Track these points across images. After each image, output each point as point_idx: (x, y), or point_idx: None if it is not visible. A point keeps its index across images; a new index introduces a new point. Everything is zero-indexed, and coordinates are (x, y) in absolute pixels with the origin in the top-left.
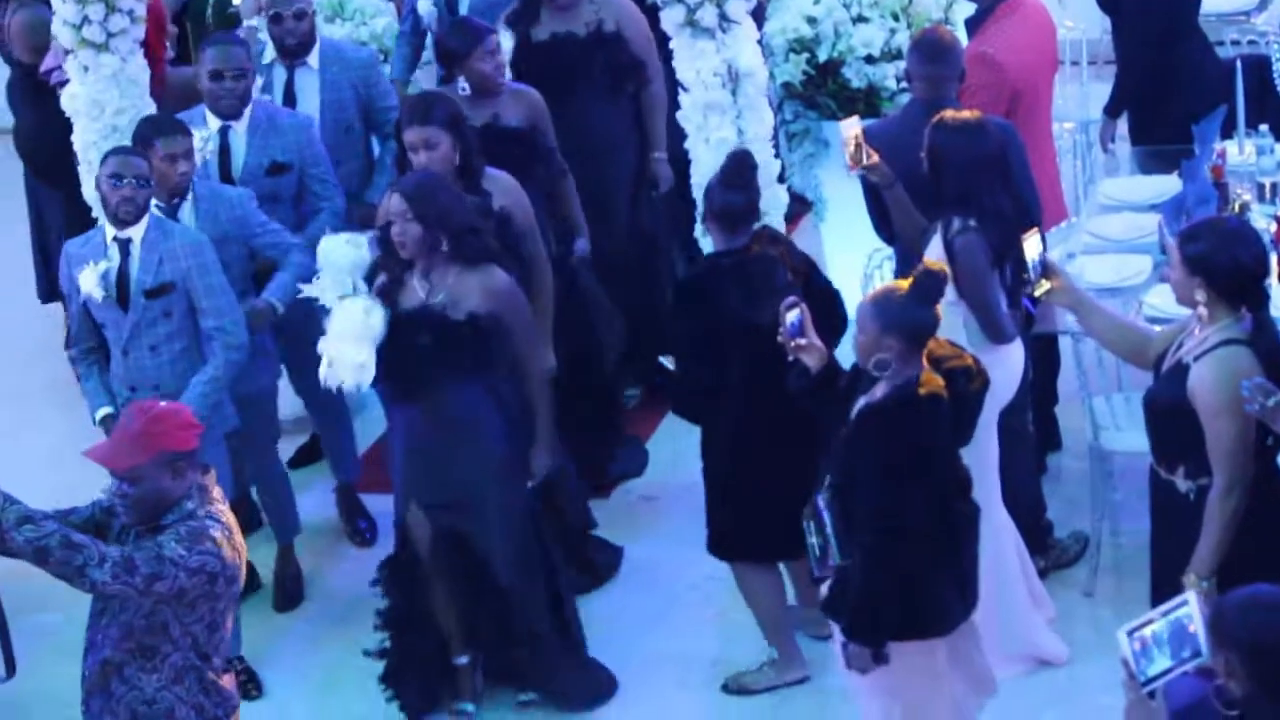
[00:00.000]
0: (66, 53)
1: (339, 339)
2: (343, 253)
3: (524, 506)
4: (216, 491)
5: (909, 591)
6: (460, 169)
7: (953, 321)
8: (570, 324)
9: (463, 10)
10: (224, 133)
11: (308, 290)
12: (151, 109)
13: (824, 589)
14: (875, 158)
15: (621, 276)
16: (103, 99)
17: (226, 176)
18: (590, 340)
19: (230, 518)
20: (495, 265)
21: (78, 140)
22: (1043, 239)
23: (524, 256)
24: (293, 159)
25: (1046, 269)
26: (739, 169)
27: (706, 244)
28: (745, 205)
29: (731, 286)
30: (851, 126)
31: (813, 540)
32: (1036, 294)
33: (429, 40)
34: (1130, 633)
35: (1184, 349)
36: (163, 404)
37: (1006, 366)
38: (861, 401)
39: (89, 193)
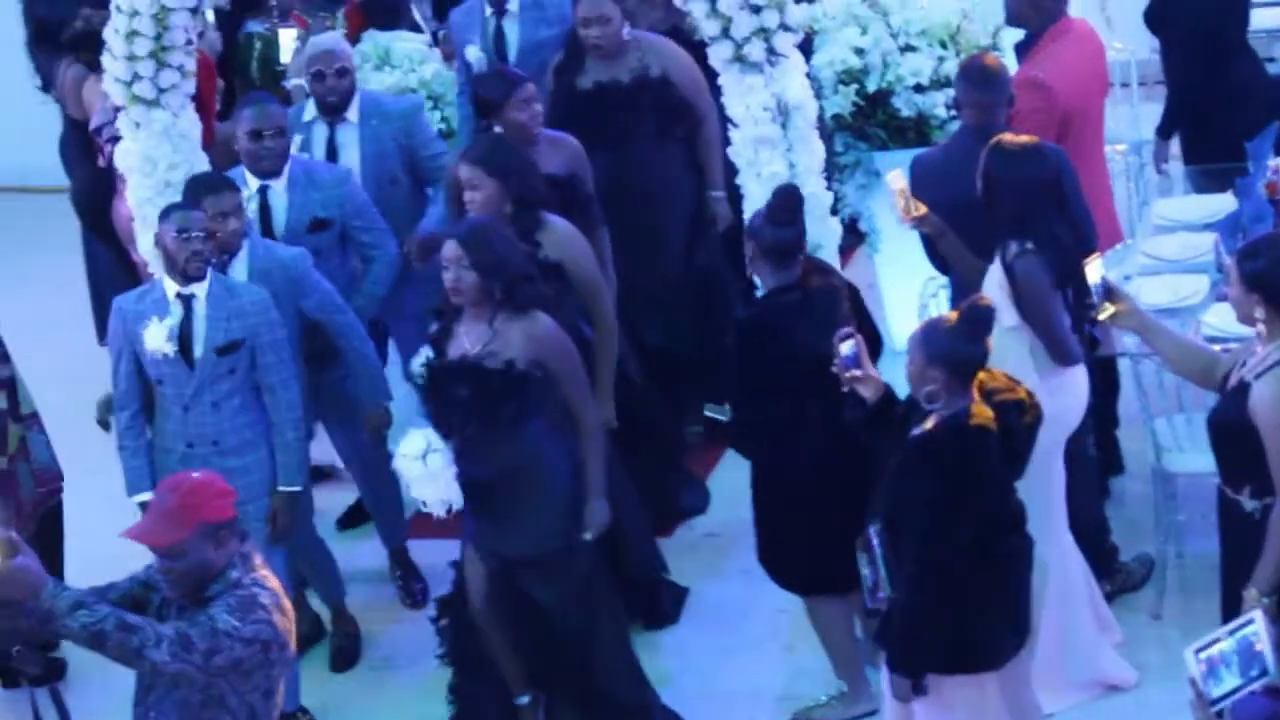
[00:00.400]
0: (117, 109)
1: (428, 485)
2: (431, 463)
3: (582, 555)
4: (258, 558)
5: (957, 625)
6: (513, 216)
7: (1018, 349)
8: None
9: (511, 54)
10: (263, 192)
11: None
12: (204, 163)
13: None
14: (924, 209)
15: (678, 318)
16: (155, 155)
17: (268, 235)
18: (647, 382)
19: (275, 582)
20: (543, 313)
21: (131, 197)
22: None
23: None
24: (333, 213)
25: (1110, 293)
26: (786, 205)
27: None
28: (794, 240)
29: (798, 321)
30: (898, 180)
31: (865, 571)
32: (1101, 318)
33: None
34: (1197, 652)
35: (1246, 367)
36: (195, 475)
37: (1073, 392)
38: (917, 430)
39: (144, 248)
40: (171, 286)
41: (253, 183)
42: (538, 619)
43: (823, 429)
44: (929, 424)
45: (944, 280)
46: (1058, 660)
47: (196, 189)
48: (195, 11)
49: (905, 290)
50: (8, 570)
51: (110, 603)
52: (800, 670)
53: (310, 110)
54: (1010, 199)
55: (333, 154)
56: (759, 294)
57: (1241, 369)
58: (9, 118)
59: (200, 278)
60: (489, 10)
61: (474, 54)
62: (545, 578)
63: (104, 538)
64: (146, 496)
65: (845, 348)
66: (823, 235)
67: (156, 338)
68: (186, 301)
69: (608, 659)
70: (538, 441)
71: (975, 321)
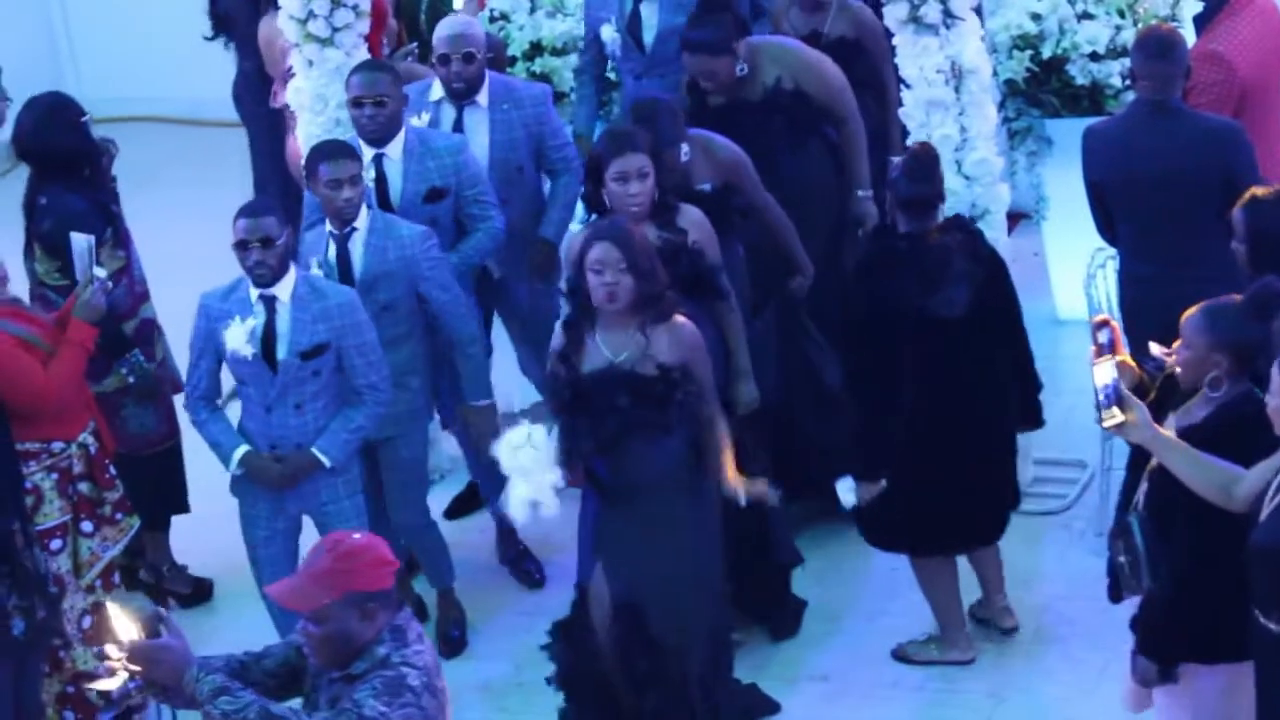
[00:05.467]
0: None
1: (522, 479)
2: (530, 458)
3: (709, 595)
4: (413, 630)
5: (1220, 614)
6: (657, 204)
7: None
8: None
9: (647, 37)
10: (378, 161)
11: (504, 505)
12: None
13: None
14: (1133, 414)
15: (821, 323)
16: (327, 93)
17: (385, 205)
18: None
19: (430, 656)
20: (679, 317)
21: (301, 134)
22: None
23: (717, 290)
24: (449, 182)
25: (1121, 400)
26: (923, 161)
27: None
28: (930, 195)
29: (904, 270)
30: (1106, 374)
31: (1121, 559)
32: (1106, 425)
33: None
34: None
35: None
36: (356, 537)
37: None
38: (1176, 421)
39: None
40: (255, 288)
41: (367, 151)
42: (658, 658)
43: (913, 388)
44: (1198, 413)
45: (1112, 251)
46: None
47: (315, 154)
48: None
49: (1072, 260)
50: (150, 651)
51: (264, 671)
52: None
53: (437, 89)
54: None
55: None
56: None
57: None
58: (181, 51)
59: (269, 283)
60: None
61: (609, 33)
62: (671, 616)
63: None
64: (245, 447)
65: (1103, 376)
66: (990, 200)
67: (237, 338)
68: (269, 303)
69: (721, 710)
70: (681, 451)
71: (1264, 301)
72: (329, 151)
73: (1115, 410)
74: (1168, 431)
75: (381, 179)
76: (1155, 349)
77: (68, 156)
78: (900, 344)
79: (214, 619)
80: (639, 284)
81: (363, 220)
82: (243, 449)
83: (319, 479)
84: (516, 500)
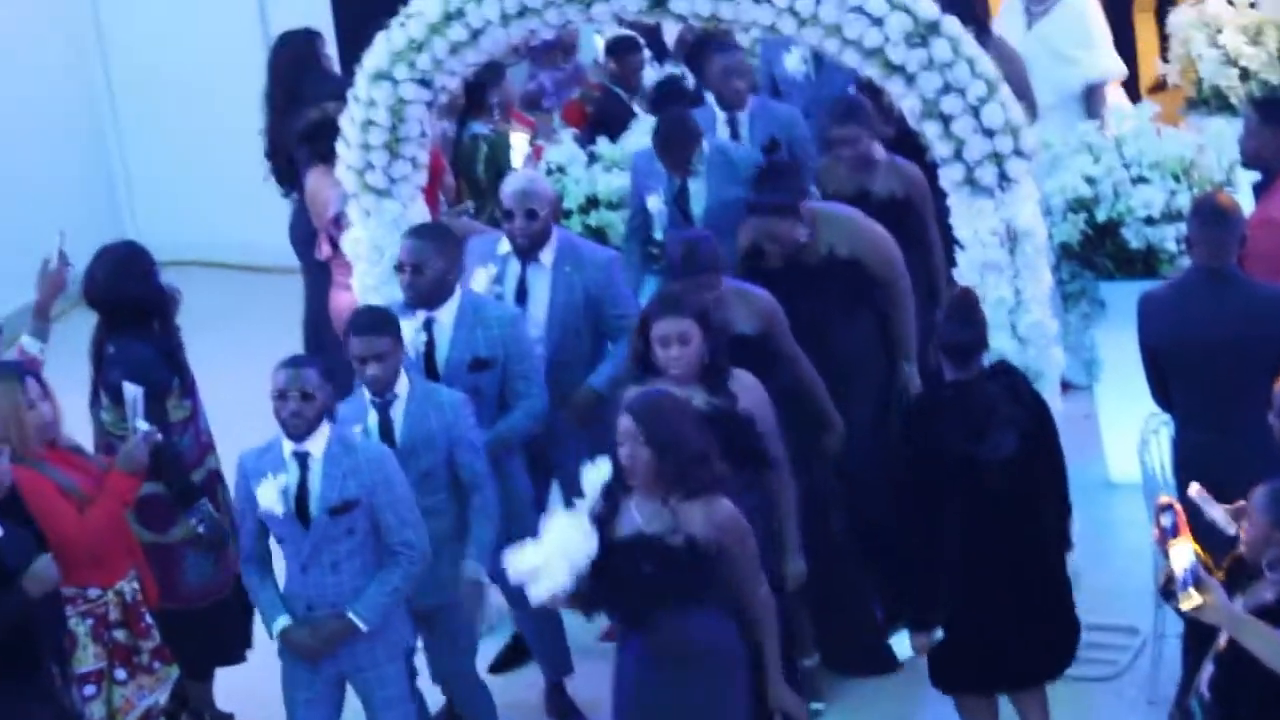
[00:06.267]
0: (348, 197)
1: (551, 554)
2: (575, 543)
3: None
4: None
5: None
6: (707, 367)
7: None
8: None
9: (696, 209)
10: (429, 325)
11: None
12: None
13: None
14: (1211, 596)
15: (869, 491)
16: (383, 243)
17: (431, 370)
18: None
19: None
20: (723, 497)
21: (357, 283)
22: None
23: (767, 459)
24: (497, 354)
25: (1199, 583)
26: (965, 306)
27: None
28: (972, 340)
29: (951, 416)
30: (1185, 556)
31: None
32: (1184, 608)
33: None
34: None
35: None
36: None
37: None
38: (1244, 603)
39: None
40: (288, 444)
41: (421, 314)
42: None
43: (959, 532)
44: (1267, 595)
45: (1166, 417)
46: None
47: (357, 324)
48: (430, 106)
49: (1126, 424)
50: None
51: None
52: None
53: (505, 243)
54: None
55: (522, 293)
56: None
57: None
58: (237, 195)
59: (303, 436)
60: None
61: (654, 204)
62: None
63: None
64: (286, 620)
65: (1180, 562)
66: (1044, 363)
67: (268, 496)
68: (302, 459)
69: None
70: (719, 623)
71: None
72: (363, 325)
73: (1193, 592)
74: (1247, 617)
75: (430, 342)
76: (1195, 490)
77: (137, 306)
78: (949, 490)
79: None
80: (657, 459)
81: (403, 387)
82: (282, 621)
83: (356, 643)
84: (547, 578)
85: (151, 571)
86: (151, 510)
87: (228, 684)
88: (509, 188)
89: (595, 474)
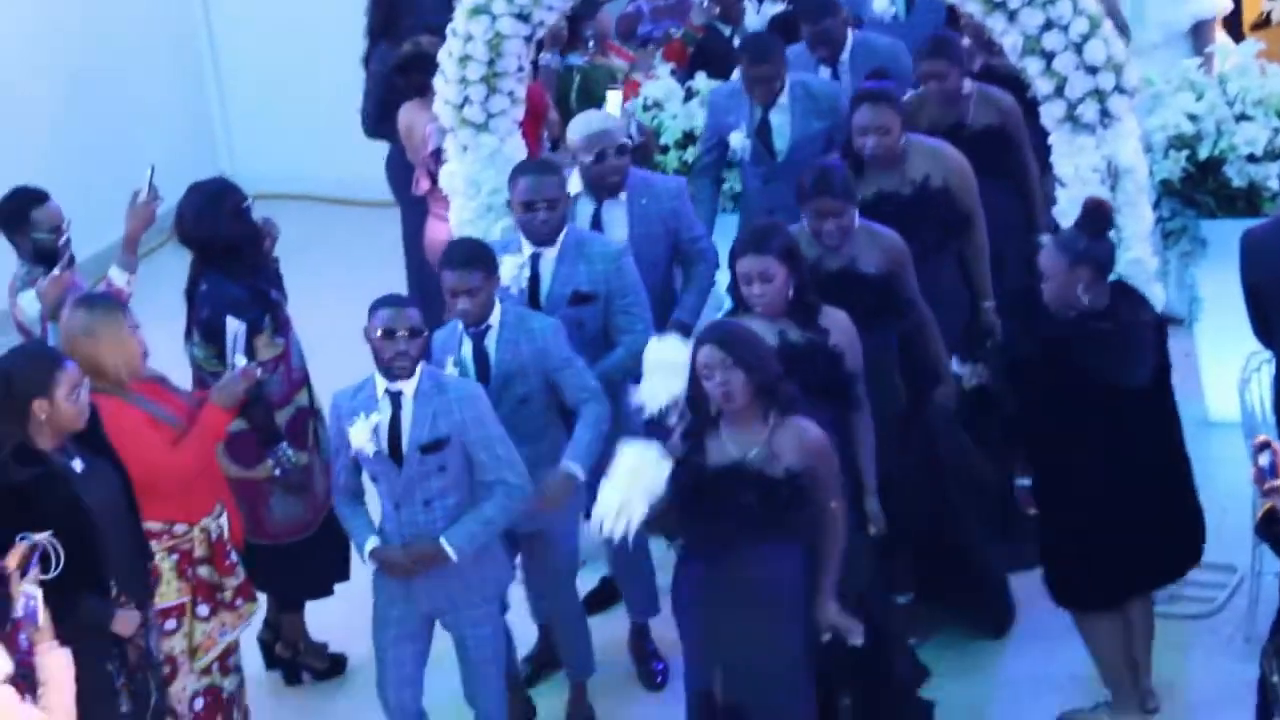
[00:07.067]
0: (445, 132)
1: (627, 484)
2: (675, 353)
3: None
4: None
5: None
6: (794, 304)
7: None
8: (926, 480)
9: (779, 144)
10: (534, 259)
11: (635, 397)
12: None
13: None
14: None
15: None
16: (480, 178)
17: (535, 304)
18: (946, 497)
19: None
20: (809, 420)
21: (454, 218)
22: None
23: (852, 398)
24: (599, 288)
25: None
26: (1097, 215)
27: None
28: (1108, 253)
29: (1101, 351)
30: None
31: (1275, 679)
32: None
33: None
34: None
35: None
36: None
37: None
38: None
39: None
40: (381, 383)
41: (526, 247)
42: None
43: (1102, 456)
44: None
45: (1267, 355)
46: None
47: (450, 257)
48: (529, 40)
49: (1226, 364)
50: None
51: None
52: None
53: (575, 183)
54: None
55: (596, 230)
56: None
57: None
58: (331, 129)
59: (406, 376)
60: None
61: (738, 140)
62: (771, 704)
63: None
64: (376, 541)
65: (1264, 458)
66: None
67: (361, 436)
68: (395, 398)
69: None
70: (795, 554)
71: None
72: (456, 258)
73: None
74: None
75: (535, 277)
76: None
77: (228, 244)
78: (1090, 417)
79: (347, 689)
80: (751, 377)
81: (496, 316)
82: (373, 541)
83: (449, 580)
84: (626, 510)
85: (238, 507)
86: (240, 445)
87: (323, 617)
88: (592, 128)
89: (657, 350)
